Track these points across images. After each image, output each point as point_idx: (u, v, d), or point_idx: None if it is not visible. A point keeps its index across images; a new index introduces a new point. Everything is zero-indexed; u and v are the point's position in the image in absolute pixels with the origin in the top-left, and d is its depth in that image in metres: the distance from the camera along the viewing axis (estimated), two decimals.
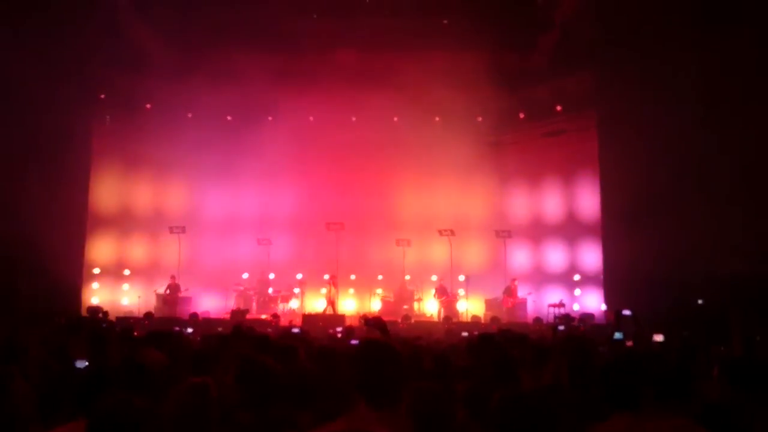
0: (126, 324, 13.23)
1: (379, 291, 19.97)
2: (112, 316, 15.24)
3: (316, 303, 19.80)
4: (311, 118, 20.55)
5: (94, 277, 18.76)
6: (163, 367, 3.97)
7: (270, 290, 19.81)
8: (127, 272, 19.58)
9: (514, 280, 19.06)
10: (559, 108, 19.54)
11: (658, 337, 9.16)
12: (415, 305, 19.69)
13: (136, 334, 8.12)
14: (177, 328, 10.78)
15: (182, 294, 18.61)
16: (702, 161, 14.09)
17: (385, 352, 3.24)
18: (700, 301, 13.94)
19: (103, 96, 18.80)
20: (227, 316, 16.73)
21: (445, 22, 18.37)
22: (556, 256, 20.02)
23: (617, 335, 9.12)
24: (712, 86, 13.76)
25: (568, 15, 16.82)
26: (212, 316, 17.49)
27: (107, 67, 17.88)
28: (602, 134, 17.22)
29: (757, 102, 13.27)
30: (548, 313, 17.59)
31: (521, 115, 20.36)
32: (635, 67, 15.13)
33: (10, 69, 14.23)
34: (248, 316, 17.61)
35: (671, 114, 14.62)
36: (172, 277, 18.74)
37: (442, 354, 5.55)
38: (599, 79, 17.09)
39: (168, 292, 18.53)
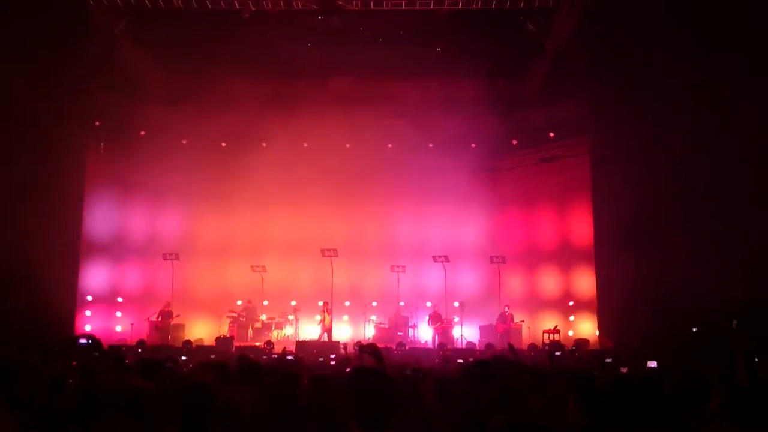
0: (118, 352, 13.08)
1: (374, 317, 19.87)
2: (104, 344, 15.08)
3: (310, 330, 19.67)
4: (305, 145, 20.61)
5: (87, 304, 18.63)
6: (151, 395, 3.93)
7: (264, 317, 19.69)
8: (120, 299, 19.46)
9: (506, 306, 19.03)
10: (552, 134, 19.68)
11: (652, 363, 9.11)
12: (410, 332, 19.58)
13: (127, 361, 8.02)
14: (169, 365, 10.58)
15: (174, 321, 18.46)
16: (695, 186, 14.17)
17: (377, 378, 3.22)
18: (694, 329, 13.91)
19: (97, 123, 18.83)
20: (213, 342, 16.65)
21: (439, 49, 18.53)
22: (550, 282, 20.02)
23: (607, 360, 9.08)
24: (704, 112, 13.90)
25: (559, 43, 16.99)
26: (206, 343, 17.34)
27: (102, 94, 17.95)
28: (594, 160, 17.31)
29: (750, 127, 13.39)
30: (543, 339, 17.56)
31: (514, 142, 20.50)
32: (627, 93, 15.26)
33: (4, 95, 14.28)
34: (243, 343, 17.51)
35: (663, 140, 14.73)
36: (167, 304, 18.58)
37: (436, 381, 5.51)
38: (591, 105, 17.24)
39: (160, 318, 18.38)
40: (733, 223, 13.78)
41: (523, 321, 18.92)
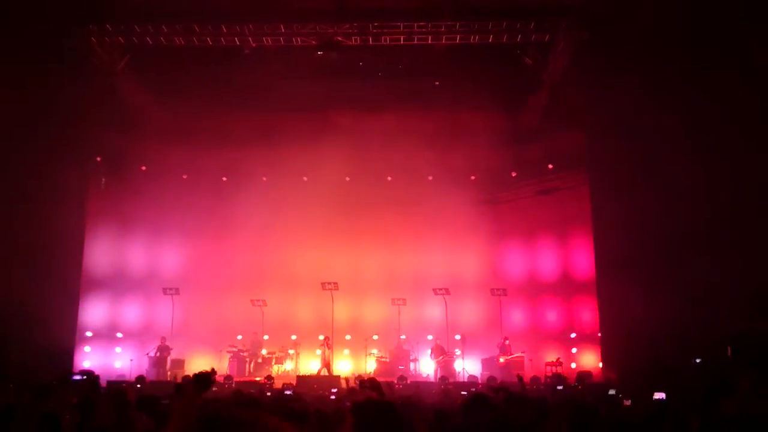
0: (117, 388, 12.98)
1: (375, 351, 19.73)
2: (103, 380, 14.97)
3: (310, 364, 19.54)
4: (305, 179, 20.70)
5: (86, 339, 18.51)
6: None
7: (264, 352, 19.56)
8: (119, 335, 19.35)
9: (505, 338, 18.89)
10: (551, 166, 19.77)
11: (659, 395, 9.00)
12: (411, 365, 19.43)
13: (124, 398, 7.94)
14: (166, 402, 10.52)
15: (171, 355, 18.34)
16: (695, 217, 14.17)
17: (384, 411, 3.20)
18: (697, 360, 13.80)
19: (99, 158, 18.93)
20: (221, 379, 16.45)
21: (437, 83, 18.71)
22: (552, 314, 19.92)
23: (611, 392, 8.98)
24: (703, 142, 13.95)
25: (556, 75, 17.15)
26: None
27: (103, 129, 18.09)
28: (594, 192, 17.34)
29: (750, 156, 13.43)
30: (545, 371, 17.43)
31: (514, 174, 20.59)
32: (625, 124, 15.36)
33: (5, 130, 14.38)
34: (243, 378, 17.37)
35: (663, 171, 14.78)
36: (162, 339, 18.50)
37: (436, 414, 5.46)
38: (590, 137, 17.33)
39: (158, 354, 18.26)
40: (734, 252, 13.74)
41: (524, 353, 18.77)
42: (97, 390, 9.35)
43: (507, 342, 18.80)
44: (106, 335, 19.19)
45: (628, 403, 8.83)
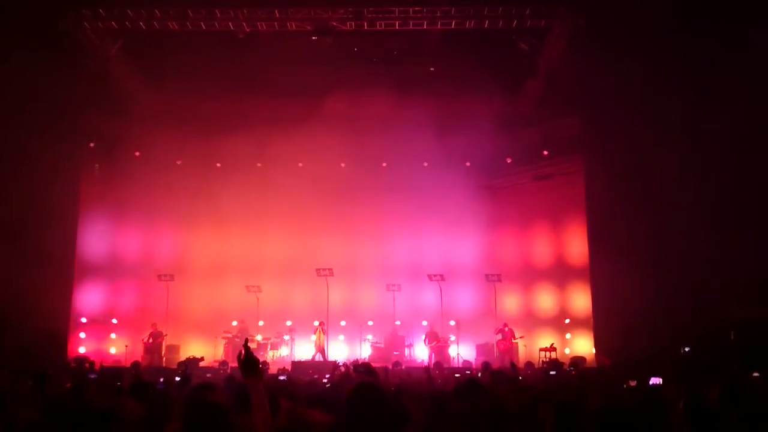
0: (111, 373, 12.98)
1: (370, 337, 19.79)
2: (98, 366, 14.97)
3: (306, 350, 19.56)
4: (300, 165, 20.62)
5: (81, 326, 18.50)
6: (141, 418, 3.89)
7: (259, 337, 19.57)
8: (114, 321, 19.33)
9: (505, 324, 18.93)
10: (546, 153, 19.75)
11: (656, 380, 9.02)
12: (406, 351, 19.49)
13: (118, 383, 7.95)
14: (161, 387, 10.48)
15: (164, 340, 18.36)
16: (689, 204, 14.20)
17: (376, 395, 3.20)
18: (686, 348, 13.88)
19: (92, 144, 18.84)
20: (216, 364, 16.47)
21: (432, 69, 18.64)
22: (546, 300, 19.97)
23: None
24: (700, 129, 13.96)
25: (552, 61, 17.10)
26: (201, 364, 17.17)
27: (96, 114, 17.99)
28: (589, 178, 17.35)
29: (747, 142, 13.45)
30: (540, 357, 17.50)
31: (509, 160, 20.55)
32: (620, 111, 15.36)
33: None
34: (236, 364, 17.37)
35: (657, 158, 14.79)
36: (153, 325, 18.51)
37: (433, 400, 5.47)
38: (585, 123, 17.31)
39: (150, 340, 18.27)
40: (730, 238, 13.79)
41: (522, 336, 18.82)
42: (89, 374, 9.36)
43: (507, 328, 18.82)
44: (102, 321, 19.17)
45: (633, 383, 8.88)
